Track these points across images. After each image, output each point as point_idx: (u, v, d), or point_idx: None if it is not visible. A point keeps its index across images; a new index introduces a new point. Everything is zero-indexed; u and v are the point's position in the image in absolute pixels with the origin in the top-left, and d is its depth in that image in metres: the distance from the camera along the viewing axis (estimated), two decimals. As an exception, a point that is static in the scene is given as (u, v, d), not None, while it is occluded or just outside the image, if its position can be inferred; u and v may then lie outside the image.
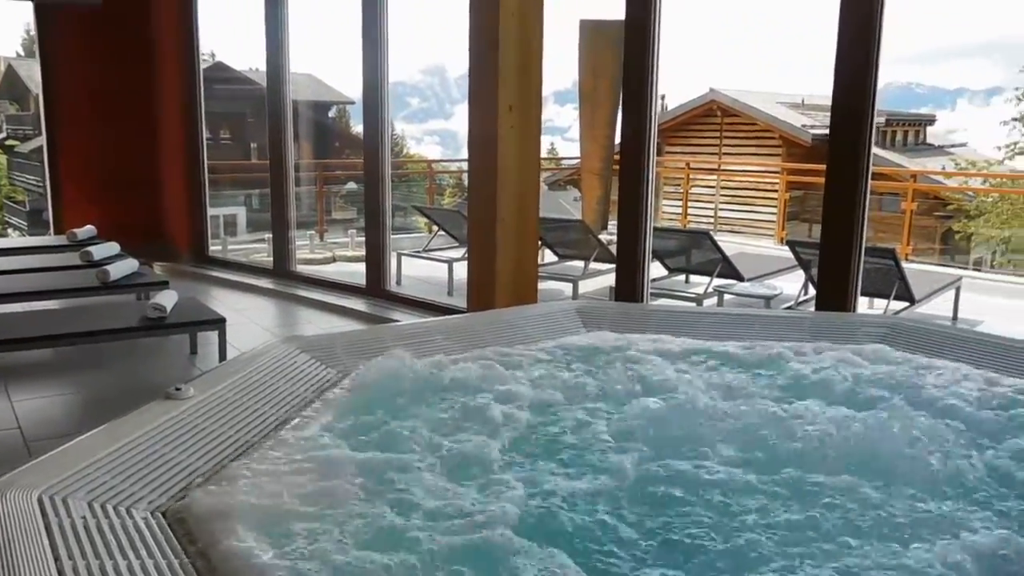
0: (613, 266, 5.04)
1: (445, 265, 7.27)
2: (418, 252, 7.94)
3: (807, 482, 1.83)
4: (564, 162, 16.31)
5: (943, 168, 17.29)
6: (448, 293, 7.00)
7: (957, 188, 15.86)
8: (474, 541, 1.52)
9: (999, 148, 15.91)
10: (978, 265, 14.74)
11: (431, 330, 3.08)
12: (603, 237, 7.60)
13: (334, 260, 9.25)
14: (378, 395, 2.32)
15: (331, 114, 20.33)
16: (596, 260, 7.02)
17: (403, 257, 7.54)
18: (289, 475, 1.78)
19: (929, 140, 20.19)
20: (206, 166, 7.66)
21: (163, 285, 5.39)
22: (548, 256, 7.88)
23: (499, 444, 2.02)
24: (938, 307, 6.72)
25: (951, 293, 6.74)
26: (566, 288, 6.91)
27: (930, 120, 21.09)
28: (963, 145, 20.49)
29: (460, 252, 7.44)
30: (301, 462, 1.84)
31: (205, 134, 7.78)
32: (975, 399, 2.35)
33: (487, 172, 4.75)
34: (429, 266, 7.61)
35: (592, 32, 8.28)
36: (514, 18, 4.64)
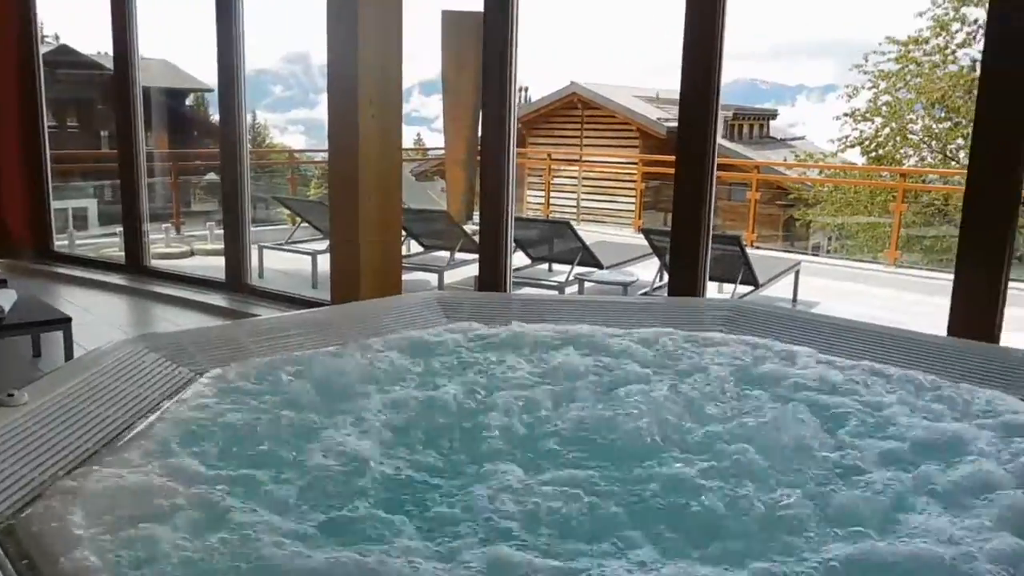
0: (477, 256, 5.06)
1: (309, 258, 7.08)
2: (281, 244, 7.69)
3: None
4: (431, 152, 16.21)
5: (785, 160, 18.28)
6: (312, 286, 6.82)
7: (797, 179, 16.79)
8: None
9: (833, 141, 16.92)
10: (816, 250, 15.68)
11: (288, 325, 2.98)
12: (468, 227, 7.60)
13: (192, 254, 8.84)
14: (231, 398, 2.22)
15: (188, 102, 19.40)
16: (461, 250, 7.01)
17: (265, 250, 7.29)
18: (130, 485, 1.67)
19: (772, 133, 21.29)
20: (48, 155, 7.14)
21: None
22: (414, 247, 7.82)
23: (366, 444, 1.96)
24: (780, 290, 7.09)
25: (791, 277, 7.13)
26: (432, 279, 6.87)
27: (773, 115, 22.23)
28: (802, 138, 21.70)
29: (324, 244, 7.26)
30: (144, 470, 1.74)
31: (49, 122, 7.25)
32: (811, 377, 2.47)
33: (348, 163, 4.64)
34: (293, 259, 7.40)
35: (454, 23, 8.23)
36: (373, 6, 4.54)
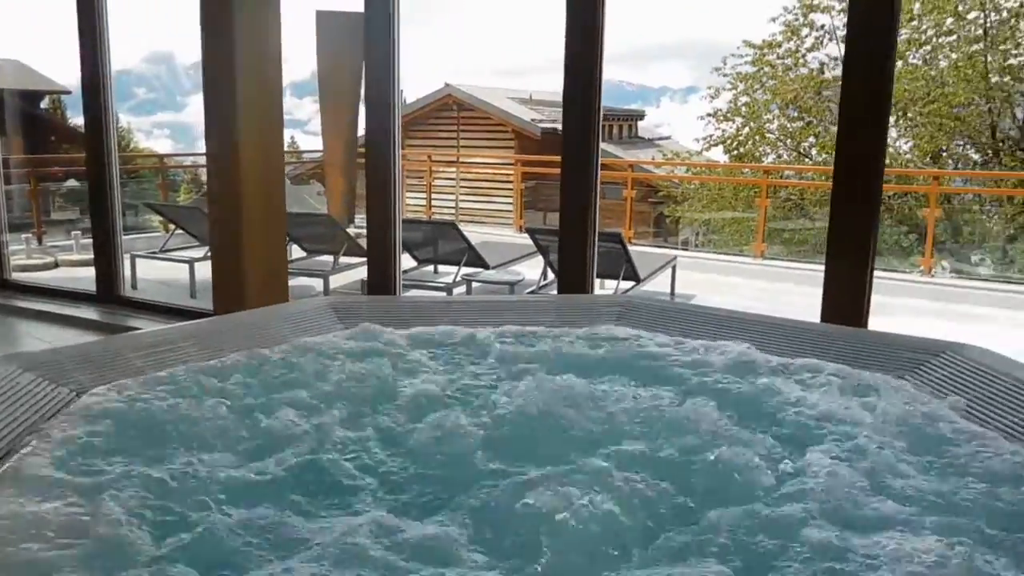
0: (363, 259, 4.94)
1: (186, 266, 6.76)
2: (155, 253, 7.31)
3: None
4: (305, 155, 15.81)
5: (653, 158, 18.86)
6: (191, 295, 6.52)
7: (666, 177, 17.36)
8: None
9: (698, 141, 17.60)
10: (685, 245, 16.27)
11: (175, 337, 2.81)
12: (351, 230, 7.45)
13: (56, 265, 8.28)
14: (115, 417, 2.07)
15: (43, 105, 18.18)
16: (346, 254, 6.86)
17: (138, 259, 6.91)
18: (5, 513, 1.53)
19: (640, 134, 21.91)
20: None
21: None
22: (295, 252, 7.60)
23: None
24: (658, 285, 7.30)
25: (669, 271, 7.35)
26: (317, 284, 6.69)
27: (640, 115, 22.87)
28: (668, 138, 22.44)
29: (202, 251, 6.95)
30: (20, 500, 1.59)
31: None
32: (688, 363, 2.52)
33: (228, 167, 4.45)
34: (168, 267, 7.05)
35: (330, 23, 8.05)
36: (248, 4, 4.37)
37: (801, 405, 2.14)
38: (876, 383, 2.31)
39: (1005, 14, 14.25)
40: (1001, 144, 14.73)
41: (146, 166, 16.31)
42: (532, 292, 6.31)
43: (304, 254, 7.33)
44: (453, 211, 14.32)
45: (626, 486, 1.64)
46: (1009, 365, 2.30)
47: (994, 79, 14.37)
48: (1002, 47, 14.29)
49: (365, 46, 4.73)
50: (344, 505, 1.68)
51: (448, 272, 7.00)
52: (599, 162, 4.28)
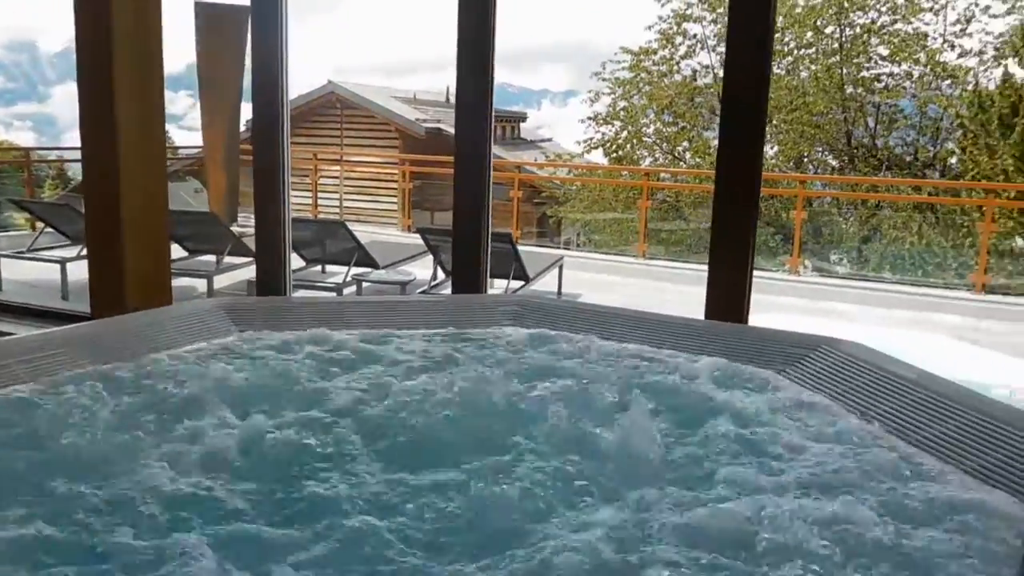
0: (247, 259, 4.79)
1: (57, 266, 6.36)
2: (21, 252, 6.85)
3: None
4: (181, 151, 15.15)
5: (536, 160, 19.11)
6: (63, 297, 6.14)
7: (549, 178, 17.62)
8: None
9: (579, 143, 17.94)
10: (567, 245, 16.57)
11: (55, 343, 2.65)
12: (234, 229, 7.21)
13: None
14: None
15: None
16: (231, 254, 6.63)
17: (2, 259, 6.46)
18: None
19: (523, 135, 22.17)
20: None
21: None
22: (176, 251, 7.28)
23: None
24: (545, 284, 7.40)
25: (556, 271, 7.46)
26: (200, 284, 6.44)
27: (522, 117, 23.14)
28: (549, 140, 22.81)
29: (74, 251, 6.57)
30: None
31: None
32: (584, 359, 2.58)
33: (107, 162, 4.21)
34: (36, 268, 6.61)
35: (209, 15, 7.74)
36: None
37: (693, 393, 2.24)
38: (757, 375, 2.44)
39: (858, 29, 15.21)
40: (856, 151, 15.71)
41: (6, 160, 15.24)
42: (423, 292, 6.28)
43: (186, 254, 7.03)
44: (338, 210, 14.07)
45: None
46: (878, 358, 2.47)
47: (849, 90, 15.32)
48: (855, 60, 15.24)
49: (253, 40, 4.58)
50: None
51: (337, 272, 6.87)
52: (492, 161, 4.31)
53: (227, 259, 6.64)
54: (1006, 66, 12.96)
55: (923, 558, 1.45)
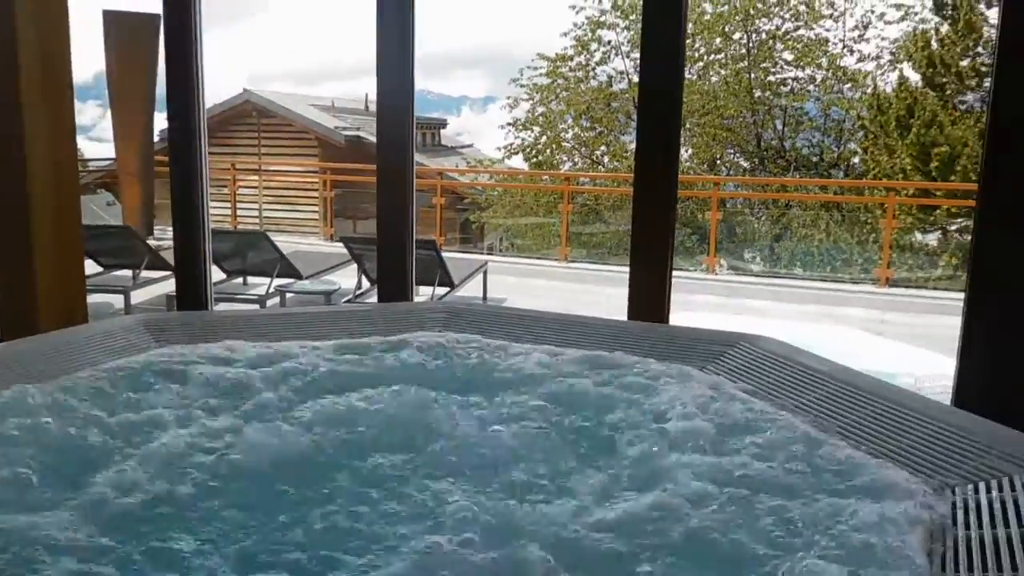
0: (166, 273, 4.67)
1: (-41, 285, 6.05)
2: (-81, 272, 6.50)
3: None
4: (92, 164, 14.62)
5: (457, 166, 19.12)
6: (-33, 317, 5.84)
7: (470, 184, 17.65)
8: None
9: (499, 149, 18.04)
10: (491, 250, 16.63)
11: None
12: (151, 242, 7.00)
13: None
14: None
15: None
16: (147, 268, 6.43)
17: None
18: None
19: (444, 142, 22.14)
20: None
21: None
22: (90, 267, 7.03)
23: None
24: (470, 290, 7.42)
25: (481, 276, 7.49)
26: (116, 300, 6.22)
27: (443, 124, 23.11)
28: (470, 146, 22.83)
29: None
30: None
31: None
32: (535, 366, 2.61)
33: (12, 170, 4.04)
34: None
35: (120, 24, 7.50)
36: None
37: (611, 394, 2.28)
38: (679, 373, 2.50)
39: (764, 35, 15.74)
40: (766, 152, 16.24)
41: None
42: (349, 301, 6.22)
43: (100, 269, 6.79)
44: (258, 221, 13.78)
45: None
46: (796, 353, 2.57)
47: (757, 94, 15.82)
48: (763, 65, 15.76)
49: (166, 49, 4.46)
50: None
51: (259, 284, 6.74)
52: (414, 168, 4.30)
53: (144, 273, 6.44)
54: (901, 70, 13.62)
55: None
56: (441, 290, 6.53)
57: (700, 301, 7.92)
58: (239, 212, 13.38)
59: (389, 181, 4.27)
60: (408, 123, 4.24)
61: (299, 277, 6.70)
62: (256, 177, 14.68)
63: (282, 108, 17.17)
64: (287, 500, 1.67)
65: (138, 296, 6.34)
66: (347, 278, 7.01)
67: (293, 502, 1.66)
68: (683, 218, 14.81)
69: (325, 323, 3.28)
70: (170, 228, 4.64)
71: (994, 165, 3.08)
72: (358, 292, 6.45)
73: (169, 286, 4.79)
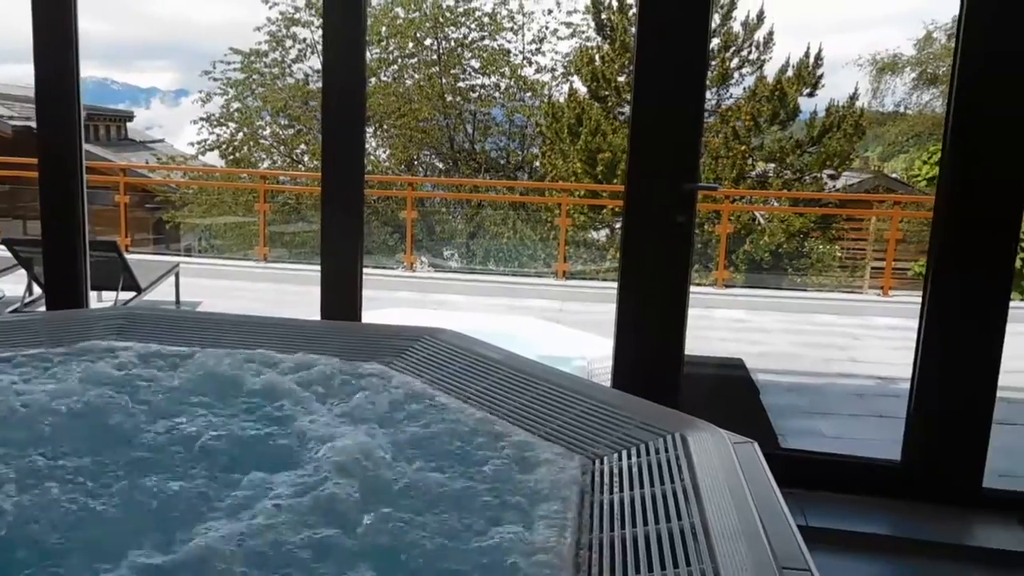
0: None
1: None
2: None
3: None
4: None
5: (147, 162, 17.57)
6: None
7: (163, 181, 16.31)
8: None
9: (193, 145, 16.87)
10: (188, 251, 15.53)
11: None
12: None
13: None
14: None
15: None
16: None
17: None
18: None
19: (130, 136, 20.22)
20: None
21: None
22: None
23: None
24: (163, 293, 6.86)
25: (172, 279, 6.95)
26: None
27: (129, 116, 21.10)
28: (161, 141, 21.09)
29: None
30: None
31: None
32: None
33: None
34: None
35: None
36: None
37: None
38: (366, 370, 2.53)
39: (453, 43, 16.32)
40: (459, 154, 16.87)
41: None
42: (15, 311, 5.46)
43: None
44: None
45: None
46: (474, 344, 2.70)
47: (449, 98, 16.37)
48: (453, 71, 16.34)
49: None
50: None
51: None
52: (84, 163, 3.87)
53: None
54: (572, 82, 14.89)
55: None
56: (126, 295, 5.96)
57: (400, 297, 8.04)
58: None
59: (52, 176, 3.82)
60: (75, 111, 3.81)
61: (-50, 285, 5.77)
62: None
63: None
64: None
65: None
66: (16, 284, 6.16)
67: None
68: (383, 217, 14.94)
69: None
70: None
71: (638, 165, 3.46)
72: (28, 300, 5.68)
73: None
